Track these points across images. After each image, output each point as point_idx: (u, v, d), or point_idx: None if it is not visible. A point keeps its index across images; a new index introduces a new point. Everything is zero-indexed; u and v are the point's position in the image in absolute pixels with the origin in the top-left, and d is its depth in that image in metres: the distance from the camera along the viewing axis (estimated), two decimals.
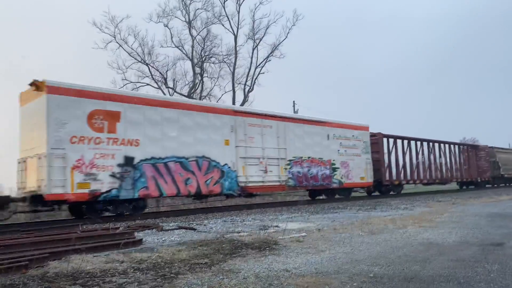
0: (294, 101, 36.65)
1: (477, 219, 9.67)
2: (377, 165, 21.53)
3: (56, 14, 58.86)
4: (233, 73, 32.53)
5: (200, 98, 32.01)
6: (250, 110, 16.99)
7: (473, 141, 30.68)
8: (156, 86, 31.58)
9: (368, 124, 21.34)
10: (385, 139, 22.67)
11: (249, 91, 32.66)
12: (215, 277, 4.46)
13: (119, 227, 8.80)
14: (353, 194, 21.43)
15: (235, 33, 32.16)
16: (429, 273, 4.47)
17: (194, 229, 8.84)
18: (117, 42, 30.07)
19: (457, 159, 29.37)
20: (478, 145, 34.87)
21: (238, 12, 31.94)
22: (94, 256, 5.63)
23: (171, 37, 31.62)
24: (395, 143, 23.43)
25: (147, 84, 31.56)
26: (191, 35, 31.72)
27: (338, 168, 19.15)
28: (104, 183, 11.68)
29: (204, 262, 5.27)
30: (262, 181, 15.78)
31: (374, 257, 5.37)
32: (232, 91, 32.47)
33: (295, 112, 35.74)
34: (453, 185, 32.18)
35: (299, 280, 4.25)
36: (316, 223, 9.57)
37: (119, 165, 12.04)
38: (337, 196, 20.06)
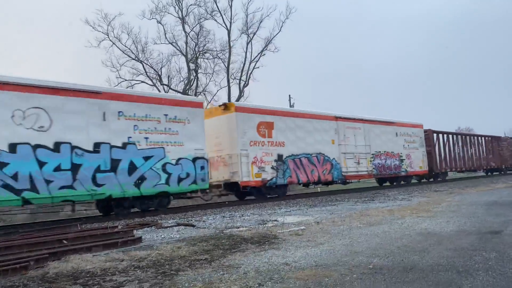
0: (290, 95, 36.74)
1: (474, 208, 9.72)
2: (429, 156, 25.96)
3: (48, 12, 58.45)
4: (227, 68, 32.46)
5: (195, 95, 31.92)
6: (346, 115, 20.54)
7: (468, 130, 32.04)
8: (151, 83, 31.50)
9: (422, 123, 26.01)
10: (434, 134, 27.03)
11: (244, 86, 32.64)
12: (215, 272, 4.47)
13: (117, 226, 8.79)
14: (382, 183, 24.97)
15: (228, 28, 32.07)
16: (428, 262, 4.50)
17: (193, 226, 8.85)
18: (110, 40, 29.97)
19: (484, 149, 33.15)
20: (500, 136, 38.07)
21: (231, 7, 31.84)
22: (94, 256, 5.63)
23: (165, 34, 31.53)
24: (437, 137, 27.46)
25: (142, 82, 31.48)
26: (185, 31, 31.62)
27: (404, 159, 23.62)
28: (268, 173, 16.15)
29: (204, 258, 5.29)
30: (356, 171, 20.24)
31: (373, 249, 5.40)
32: (227, 86, 32.40)
33: (291, 106, 35.79)
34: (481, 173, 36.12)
35: (299, 273, 4.28)
36: (314, 216, 9.60)
37: (275, 161, 16.50)
38: (402, 182, 24.67)
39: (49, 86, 10.88)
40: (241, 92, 32.54)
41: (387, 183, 24.55)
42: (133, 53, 30.63)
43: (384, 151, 22.09)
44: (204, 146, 14.11)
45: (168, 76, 32.01)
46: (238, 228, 8.01)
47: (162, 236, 7.55)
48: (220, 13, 31.74)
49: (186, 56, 31.73)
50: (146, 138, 12.55)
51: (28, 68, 60.13)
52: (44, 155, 10.49)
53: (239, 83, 32.62)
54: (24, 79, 10.59)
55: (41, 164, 10.40)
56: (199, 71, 32.42)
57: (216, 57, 32.73)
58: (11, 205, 10.48)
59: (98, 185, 11.33)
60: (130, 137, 12.16)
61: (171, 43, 31.73)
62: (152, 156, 12.59)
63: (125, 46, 30.36)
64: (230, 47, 32.28)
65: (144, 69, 31.14)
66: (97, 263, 5.16)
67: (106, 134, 11.67)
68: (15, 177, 9.98)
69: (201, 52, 32.34)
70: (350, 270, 4.31)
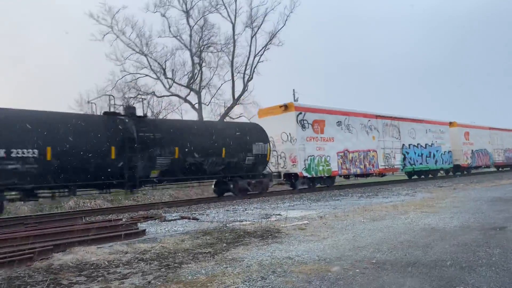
0: (294, 90, 36.57)
1: (478, 204, 9.70)
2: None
3: (52, 7, 58.45)
4: (231, 62, 32.33)
5: (199, 89, 31.88)
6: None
7: (471, 123, 32.37)
8: (155, 76, 31.45)
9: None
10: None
11: (248, 80, 32.49)
12: (218, 266, 4.49)
13: (122, 219, 8.84)
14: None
15: (233, 21, 31.90)
16: (431, 258, 4.50)
17: (197, 219, 8.88)
18: (114, 34, 29.88)
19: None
20: None
21: (235, 0, 31.65)
22: (98, 248, 5.66)
23: (169, 27, 31.40)
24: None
25: (146, 75, 31.43)
26: (189, 25, 31.48)
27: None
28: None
29: (207, 251, 5.31)
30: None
31: (376, 244, 5.40)
32: (231, 80, 32.31)
33: (295, 100, 35.70)
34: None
35: (302, 267, 4.29)
36: (318, 210, 9.61)
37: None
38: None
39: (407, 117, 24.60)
40: (245, 86, 32.45)
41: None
42: (137, 46, 30.57)
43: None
44: (450, 146, 27.77)
45: (172, 70, 31.91)
46: (242, 222, 8.03)
47: (166, 229, 7.59)
48: (225, 7, 31.61)
49: (190, 49, 31.65)
50: (435, 141, 26.40)
51: (30, 63, 60.26)
52: (407, 149, 23.78)
53: (243, 77, 32.51)
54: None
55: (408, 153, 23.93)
56: (203, 65, 32.34)
57: (220, 51, 32.62)
58: (409, 171, 25.47)
59: (426, 163, 25.18)
60: (432, 141, 26.05)
61: (175, 37, 31.63)
62: (437, 150, 26.47)
63: (129, 40, 30.30)
64: (234, 41, 32.16)
65: (148, 62, 31.07)
66: (101, 255, 5.19)
67: (426, 139, 25.64)
68: (410, 160, 23.86)
69: (205, 46, 32.23)
70: (353, 265, 4.31)
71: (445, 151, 27.27)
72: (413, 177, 27.12)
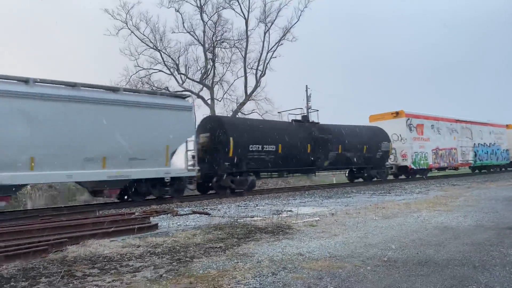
0: (306, 86, 36.38)
1: (493, 203, 9.56)
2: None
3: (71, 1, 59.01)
4: (244, 58, 32.28)
5: (212, 84, 31.92)
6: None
7: (488, 121, 32.56)
8: (168, 72, 31.60)
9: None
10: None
11: (261, 76, 32.41)
12: (229, 261, 4.52)
13: (134, 212, 8.94)
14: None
15: (246, 17, 31.81)
16: (444, 257, 4.46)
17: (208, 214, 8.93)
18: (128, 29, 30.06)
19: None
20: None
21: None
22: (111, 241, 5.74)
23: (183, 23, 31.45)
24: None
25: (160, 71, 31.59)
26: (203, 20, 31.50)
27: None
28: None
29: (218, 246, 5.34)
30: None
31: (388, 241, 5.37)
32: (244, 76, 32.30)
33: (308, 96, 35.58)
34: None
35: (313, 264, 4.29)
36: (329, 207, 9.58)
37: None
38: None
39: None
40: (257, 82, 32.39)
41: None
42: (151, 41, 30.71)
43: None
44: (507, 145, 31.96)
45: (186, 66, 32.02)
46: (253, 217, 8.05)
47: (178, 223, 7.65)
48: (238, 2, 31.51)
49: (203, 45, 31.69)
50: (496, 141, 30.95)
51: (43, 55, 61.08)
52: (477, 147, 28.58)
53: (256, 73, 32.43)
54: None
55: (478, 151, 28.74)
56: (216, 60, 32.36)
57: (233, 47, 32.58)
58: (478, 165, 29.51)
59: (490, 159, 30.11)
60: (494, 141, 30.46)
61: (189, 32, 31.69)
62: (498, 149, 30.92)
63: (143, 35, 30.47)
64: (247, 37, 32.09)
65: (162, 58, 31.20)
66: (114, 248, 5.26)
67: (490, 139, 30.31)
68: (479, 156, 28.96)
69: (219, 42, 32.24)
70: (364, 262, 4.30)
71: (503, 149, 32.13)
72: (475, 171, 31.69)
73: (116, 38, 40.33)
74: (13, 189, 9.97)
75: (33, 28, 60.59)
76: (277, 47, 32.60)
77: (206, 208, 10.28)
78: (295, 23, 32.40)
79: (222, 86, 32.97)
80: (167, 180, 12.55)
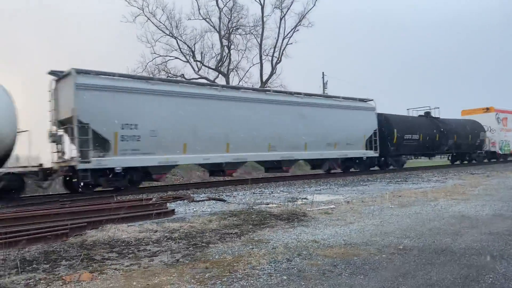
0: (323, 73, 36.12)
1: None
2: None
3: None
4: (260, 45, 32.08)
5: (227, 71, 31.87)
6: None
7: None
8: (184, 59, 31.64)
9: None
10: None
11: (277, 63, 32.22)
12: (244, 246, 4.57)
13: (152, 198, 9.08)
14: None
15: (262, 2, 31.53)
16: (461, 246, 4.42)
17: (224, 200, 9.01)
18: (145, 15, 30.13)
19: None
20: None
21: None
22: (129, 226, 5.85)
23: (198, 9, 31.33)
24: None
25: (176, 58, 31.65)
26: (218, 7, 31.33)
27: None
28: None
29: (234, 232, 5.40)
30: None
31: (404, 230, 5.35)
32: (259, 63, 32.14)
33: (324, 83, 35.28)
34: None
35: (328, 251, 4.30)
36: (345, 195, 9.56)
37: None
38: None
39: None
40: (273, 69, 32.21)
41: None
42: (167, 28, 30.72)
43: None
44: None
45: (201, 53, 32.02)
46: (268, 204, 8.09)
47: (194, 209, 7.75)
48: None
49: (219, 32, 31.57)
50: None
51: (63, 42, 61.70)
52: None
53: (272, 60, 32.25)
54: None
55: None
56: (231, 47, 32.25)
57: (249, 33, 32.38)
58: None
59: None
60: None
61: (205, 19, 31.57)
62: None
63: (160, 22, 30.51)
64: (263, 23, 31.84)
65: (178, 45, 31.22)
66: (132, 233, 5.37)
67: None
68: None
69: (234, 28, 32.08)
70: (379, 250, 4.29)
71: None
72: None
73: (133, 25, 40.41)
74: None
75: (52, 17, 61.24)
76: (293, 33, 32.33)
77: (222, 195, 10.37)
78: (311, 8, 32.02)
79: (238, 73, 32.94)
80: (364, 159, 18.86)
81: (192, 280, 3.39)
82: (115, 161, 11.49)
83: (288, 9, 31.83)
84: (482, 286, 3.17)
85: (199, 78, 32.01)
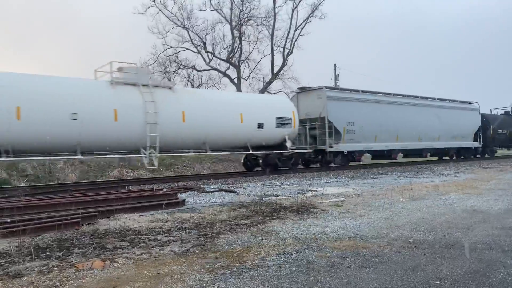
0: (335, 64, 35.81)
1: None
2: None
3: None
4: (271, 36, 31.84)
5: (238, 63, 31.78)
6: None
7: None
8: (195, 50, 31.61)
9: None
10: None
11: (288, 54, 31.96)
12: (254, 237, 4.59)
13: (163, 189, 9.15)
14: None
15: None
16: (472, 240, 4.39)
17: (234, 192, 9.05)
18: (156, 7, 30.11)
19: None
20: None
21: None
22: (140, 215, 5.92)
23: (210, 0, 31.22)
24: None
25: (187, 49, 31.63)
26: None
27: None
28: None
29: (243, 223, 5.43)
30: None
31: (414, 223, 5.32)
32: (271, 54, 31.96)
33: (336, 75, 35.05)
34: None
35: (337, 243, 4.31)
36: (355, 188, 9.52)
37: None
38: None
39: None
40: (284, 60, 31.98)
41: None
42: (178, 20, 30.63)
43: None
44: None
45: (213, 44, 31.90)
46: (278, 196, 8.11)
47: (205, 200, 7.80)
48: None
49: (230, 23, 31.41)
50: None
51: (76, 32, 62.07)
52: None
53: (283, 51, 31.99)
54: None
55: None
56: (243, 38, 32.06)
57: (260, 24, 32.10)
58: None
59: None
60: None
61: (216, 10, 31.40)
62: None
63: (171, 13, 30.45)
64: (275, 14, 31.56)
65: (189, 36, 31.14)
66: (143, 223, 5.43)
67: None
68: None
69: (246, 19, 31.86)
70: (389, 243, 4.28)
71: None
72: None
73: (145, 17, 40.43)
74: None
75: (60, 10, 61.60)
76: (305, 25, 31.99)
77: (232, 186, 10.41)
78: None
79: (249, 65, 32.77)
80: (473, 149, 25.24)
81: (202, 270, 3.43)
82: (344, 146, 17.66)
83: (301, 0, 31.55)
84: (493, 281, 3.14)
85: (210, 69, 32.00)
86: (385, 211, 6.28)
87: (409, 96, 21.98)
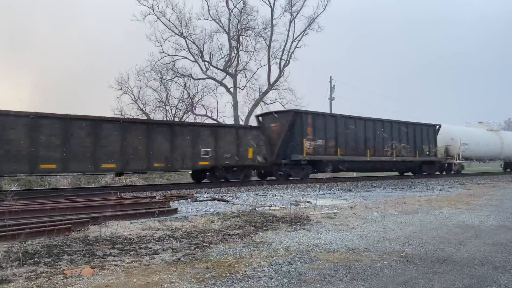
0: (331, 77, 36.03)
1: None
2: None
3: None
4: (269, 47, 32.08)
5: (235, 72, 31.91)
6: None
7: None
8: (192, 59, 31.73)
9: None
10: None
11: (284, 66, 32.21)
12: (246, 248, 4.56)
13: (155, 196, 9.09)
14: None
15: (272, 5, 31.57)
16: (463, 255, 4.39)
17: (227, 201, 9.01)
18: (155, 15, 30.26)
19: None
20: None
21: None
22: (132, 223, 5.87)
23: (208, 10, 31.44)
24: None
25: (184, 57, 31.74)
26: (228, 8, 31.42)
27: None
28: None
29: (236, 233, 5.39)
30: None
31: (407, 237, 5.32)
32: (267, 65, 32.14)
33: (331, 88, 35.25)
34: None
35: (329, 255, 4.29)
36: (348, 200, 9.52)
37: None
38: None
39: None
40: (281, 71, 32.21)
41: None
42: (176, 28, 30.85)
43: None
44: None
45: (210, 53, 32.09)
46: (271, 207, 8.08)
47: (197, 209, 7.75)
48: None
49: (228, 33, 31.64)
50: None
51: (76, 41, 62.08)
52: None
53: (280, 62, 32.26)
54: None
55: None
56: (240, 48, 32.27)
57: (258, 35, 32.40)
58: None
59: None
60: None
61: (214, 20, 31.66)
62: None
63: (169, 21, 30.63)
64: (272, 25, 31.86)
65: (187, 44, 31.33)
66: (134, 230, 5.38)
67: None
68: None
69: (243, 30, 32.11)
70: (381, 257, 4.27)
71: None
72: None
73: (143, 24, 40.59)
74: None
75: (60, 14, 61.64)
76: (302, 37, 32.30)
77: (225, 196, 10.36)
78: (321, 12, 32.02)
79: (245, 75, 32.95)
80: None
81: (193, 280, 3.39)
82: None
83: (298, 12, 31.87)
84: None
85: (207, 78, 32.09)
86: (377, 224, 6.28)
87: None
